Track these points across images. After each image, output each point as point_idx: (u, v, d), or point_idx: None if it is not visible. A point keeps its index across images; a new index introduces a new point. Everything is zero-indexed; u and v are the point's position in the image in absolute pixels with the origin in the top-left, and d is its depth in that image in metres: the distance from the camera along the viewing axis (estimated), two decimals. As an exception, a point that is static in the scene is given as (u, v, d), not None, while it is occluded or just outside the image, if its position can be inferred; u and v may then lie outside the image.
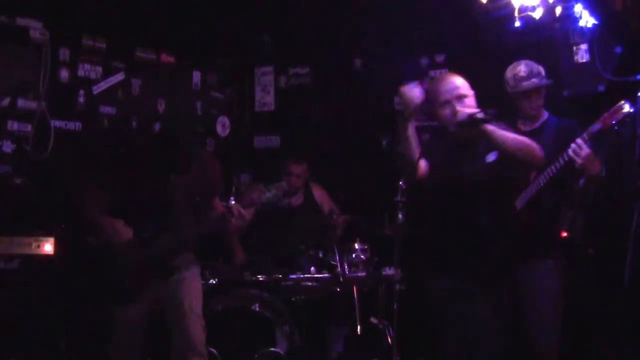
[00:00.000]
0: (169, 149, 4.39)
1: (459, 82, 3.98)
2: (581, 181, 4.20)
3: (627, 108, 3.94)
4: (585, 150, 4.04)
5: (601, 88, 5.12)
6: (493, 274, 3.97)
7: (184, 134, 4.51)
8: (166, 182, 4.34)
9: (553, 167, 4.19)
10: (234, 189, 4.74)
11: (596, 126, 4.04)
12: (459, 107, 3.85)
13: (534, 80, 4.38)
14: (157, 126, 6.35)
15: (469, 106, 3.90)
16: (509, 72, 4.47)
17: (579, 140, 4.05)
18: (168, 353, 4.40)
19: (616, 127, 4.04)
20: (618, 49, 5.07)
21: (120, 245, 4.17)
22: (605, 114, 4.01)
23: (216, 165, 4.59)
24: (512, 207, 4.27)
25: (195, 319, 4.38)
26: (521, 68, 4.42)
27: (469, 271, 3.95)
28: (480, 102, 3.96)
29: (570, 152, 4.08)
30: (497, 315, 3.95)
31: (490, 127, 3.78)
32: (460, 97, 3.93)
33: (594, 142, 4.14)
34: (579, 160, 4.05)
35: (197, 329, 4.37)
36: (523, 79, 4.39)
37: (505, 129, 3.88)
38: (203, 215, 4.42)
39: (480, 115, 3.75)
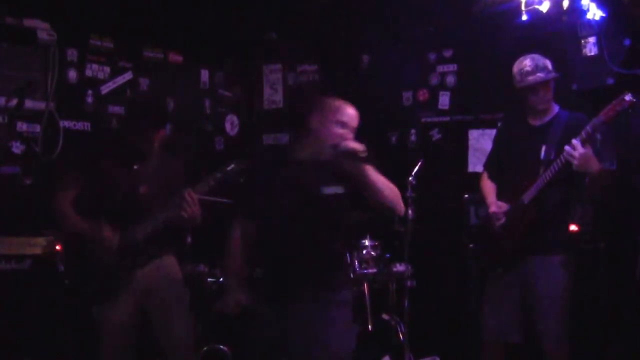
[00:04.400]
0: (129, 136, 4.32)
1: (356, 115, 3.76)
2: (587, 178, 4.18)
3: (629, 99, 3.91)
4: (580, 151, 4.01)
5: (610, 81, 5.10)
6: None
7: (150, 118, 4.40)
8: (129, 171, 4.25)
9: (556, 164, 4.17)
10: (207, 177, 4.70)
11: (599, 119, 4.01)
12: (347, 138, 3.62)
13: (540, 74, 4.35)
14: (166, 126, 6.34)
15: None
16: (516, 67, 4.45)
17: (574, 141, 4.03)
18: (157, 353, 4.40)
19: (620, 119, 4.02)
20: (627, 42, 5.05)
21: (97, 243, 4.11)
22: (608, 106, 3.98)
23: (179, 156, 4.54)
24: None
25: (185, 316, 4.37)
26: (527, 62, 4.39)
27: None
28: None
29: (565, 154, 4.06)
30: None
31: (369, 168, 3.53)
32: (353, 129, 3.73)
33: (602, 134, 4.12)
34: (575, 162, 4.03)
35: (187, 327, 4.37)
36: (529, 73, 4.36)
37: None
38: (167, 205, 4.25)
39: (363, 154, 3.48)
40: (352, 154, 3.48)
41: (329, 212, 3.66)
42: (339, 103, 3.73)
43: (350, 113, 3.72)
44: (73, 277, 4.27)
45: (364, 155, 3.47)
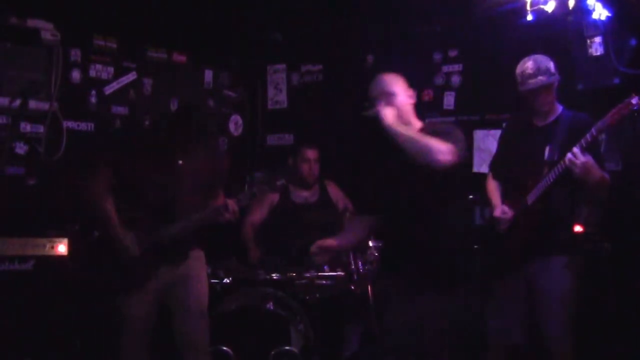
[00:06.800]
0: (177, 129, 4.40)
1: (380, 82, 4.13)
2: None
3: (635, 102, 3.89)
4: (581, 159, 3.99)
5: (616, 81, 5.10)
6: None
7: (199, 113, 4.50)
8: (173, 165, 4.33)
9: (559, 167, 4.14)
10: (247, 187, 4.74)
11: (604, 122, 3.99)
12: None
13: (541, 77, 4.32)
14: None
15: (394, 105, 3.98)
16: (518, 69, 4.44)
17: (575, 149, 4.01)
18: (171, 351, 4.43)
19: (626, 122, 4.00)
20: (632, 41, 5.04)
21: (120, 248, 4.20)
22: (613, 110, 3.96)
23: (224, 155, 4.62)
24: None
25: (201, 317, 4.42)
26: (529, 65, 4.37)
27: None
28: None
29: (567, 161, 4.04)
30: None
31: (389, 127, 3.76)
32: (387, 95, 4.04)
33: (607, 135, 4.10)
34: (575, 170, 4.01)
35: (203, 327, 4.43)
36: (530, 76, 4.34)
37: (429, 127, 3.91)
38: (207, 204, 4.43)
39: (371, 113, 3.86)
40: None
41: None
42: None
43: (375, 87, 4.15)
44: (99, 267, 4.32)
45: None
